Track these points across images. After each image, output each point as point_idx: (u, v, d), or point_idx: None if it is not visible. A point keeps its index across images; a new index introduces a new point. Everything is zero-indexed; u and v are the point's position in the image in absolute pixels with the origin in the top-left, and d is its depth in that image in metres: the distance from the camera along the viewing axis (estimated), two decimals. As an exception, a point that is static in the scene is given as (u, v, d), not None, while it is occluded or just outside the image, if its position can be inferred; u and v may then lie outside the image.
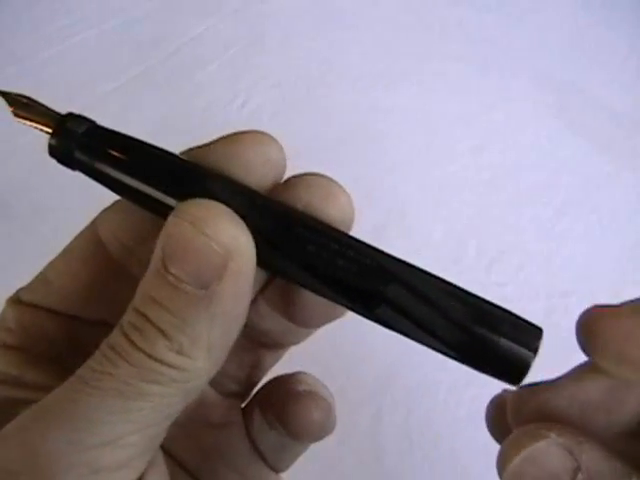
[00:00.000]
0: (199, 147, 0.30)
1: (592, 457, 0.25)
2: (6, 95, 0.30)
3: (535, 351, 0.26)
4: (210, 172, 0.28)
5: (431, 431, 0.54)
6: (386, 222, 0.65)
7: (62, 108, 0.71)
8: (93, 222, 0.32)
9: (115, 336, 0.26)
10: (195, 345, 0.25)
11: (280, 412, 0.36)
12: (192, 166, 0.28)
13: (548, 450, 0.25)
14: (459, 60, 0.83)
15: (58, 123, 0.29)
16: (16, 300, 0.33)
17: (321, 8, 0.85)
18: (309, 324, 0.32)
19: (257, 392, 0.39)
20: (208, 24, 0.81)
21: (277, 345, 0.37)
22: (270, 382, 0.39)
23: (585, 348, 0.27)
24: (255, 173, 0.29)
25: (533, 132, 0.78)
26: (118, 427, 0.25)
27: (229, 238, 0.25)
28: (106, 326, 0.32)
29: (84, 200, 0.64)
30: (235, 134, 0.30)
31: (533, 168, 0.74)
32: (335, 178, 0.67)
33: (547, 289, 0.64)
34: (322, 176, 0.30)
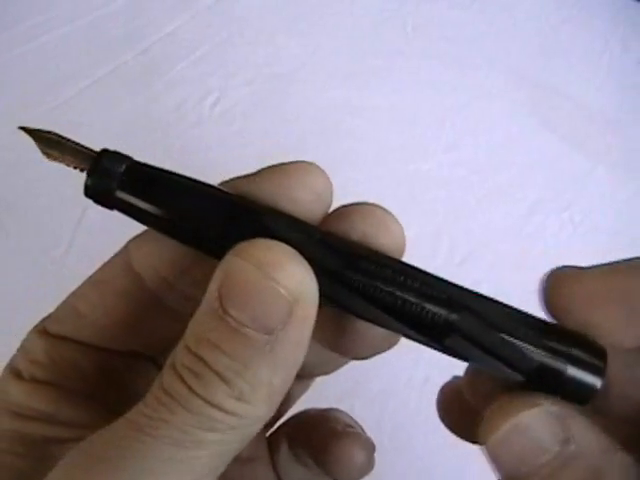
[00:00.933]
0: (241, 178, 0.29)
1: (583, 429, 0.24)
2: (33, 133, 0.28)
3: (602, 374, 0.25)
4: (260, 206, 0.27)
5: (404, 431, 0.54)
6: (360, 220, 0.65)
7: (34, 106, 0.71)
8: (126, 251, 0.31)
9: (169, 379, 0.24)
10: (256, 391, 0.24)
11: (318, 451, 0.35)
12: (240, 200, 0.27)
13: (539, 418, 0.24)
14: (432, 58, 0.82)
15: (94, 162, 0.27)
16: (43, 331, 0.31)
17: (294, 5, 0.85)
18: (360, 355, 0.31)
19: (284, 424, 0.39)
20: (180, 21, 0.80)
21: (308, 375, 0.37)
22: (299, 416, 0.38)
23: (549, 313, 0.27)
24: (304, 208, 0.28)
25: (506, 130, 0.78)
26: (174, 478, 0.24)
27: (296, 284, 0.24)
28: (137, 357, 0.33)
29: (54, 198, 0.63)
30: (281, 166, 0.28)
31: (506, 166, 0.74)
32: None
33: (520, 286, 0.64)
34: (376, 206, 0.29)
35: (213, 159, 0.69)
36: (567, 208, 0.71)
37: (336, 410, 0.38)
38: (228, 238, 0.25)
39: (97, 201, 0.28)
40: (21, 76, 0.73)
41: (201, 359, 0.24)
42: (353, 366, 0.58)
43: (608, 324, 0.25)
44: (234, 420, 0.24)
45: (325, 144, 0.72)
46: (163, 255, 0.30)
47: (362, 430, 0.37)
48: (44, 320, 0.32)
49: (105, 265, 0.31)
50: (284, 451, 0.37)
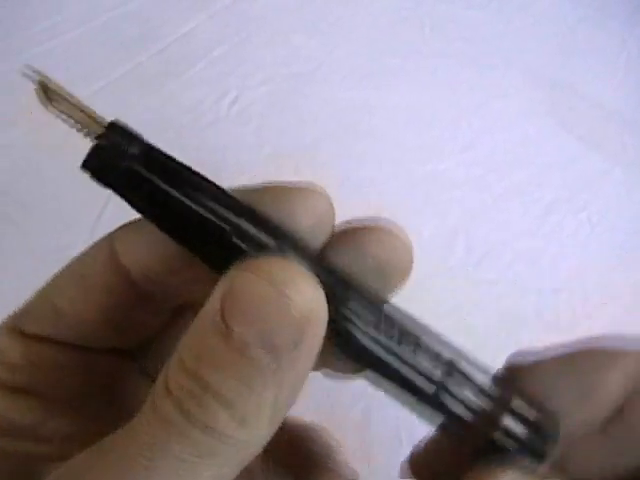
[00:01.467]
0: (242, 190, 0.27)
1: None
2: (41, 81, 0.25)
3: (544, 458, 0.26)
4: (272, 221, 0.25)
5: (421, 429, 0.54)
6: (376, 219, 0.65)
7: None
8: (110, 241, 0.28)
9: (163, 402, 0.22)
10: (259, 415, 0.22)
11: (298, 471, 0.35)
12: (254, 214, 0.25)
13: None
14: (449, 57, 0.82)
15: (108, 129, 0.25)
16: (16, 331, 0.28)
17: (311, 5, 0.85)
18: (348, 372, 0.29)
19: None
20: (197, 21, 0.81)
21: None
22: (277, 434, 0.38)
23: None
24: (305, 231, 0.26)
25: (523, 129, 0.78)
26: None
27: (309, 303, 0.22)
28: (118, 354, 0.30)
29: (72, 195, 0.64)
30: (283, 189, 0.27)
31: (523, 165, 0.74)
32: (325, 175, 0.66)
33: (537, 286, 0.64)
34: (391, 230, 0.28)
35: (230, 159, 0.69)
36: (584, 208, 0.71)
37: (314, 429, 0.36)
38: (232, 250, 0.24)
39: (98, 173, 0.25)
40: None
41: (200, 379, 0.22)
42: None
43: (564, 410, 0.26)
44: (235, 445, 0.22)
45: (342, 144, 0.72)
46: (153, 250, 0.28)
47: (342, 451, 0.36)
48: (14, 318, 0.29)
49: (85, 257, 0.29)
50: (270, 467, 0.35)
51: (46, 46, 0.76)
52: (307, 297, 0.22)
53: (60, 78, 0.76)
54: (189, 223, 0.25)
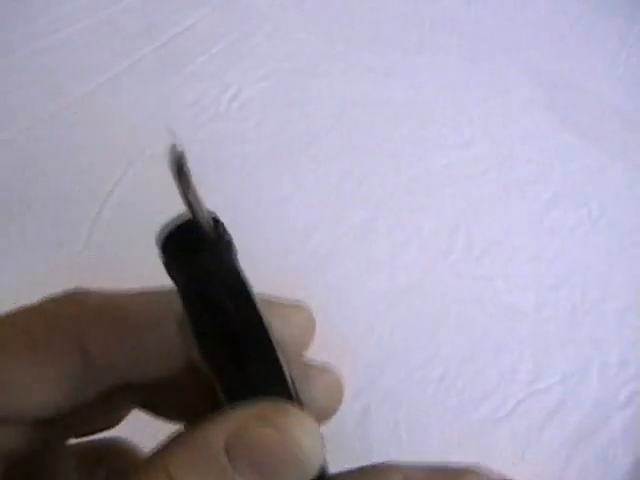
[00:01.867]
0: None
1: None
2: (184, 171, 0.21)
3: None
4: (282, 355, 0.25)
5: (420, 425, 0.54)
6: (376, 215, 0.65)
7: (53, 100, 0.71)
8: (78, 337, 0.25)
9: None
10: None
11: None
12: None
13: None
14: (450, 53, 0.82)
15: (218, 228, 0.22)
16: None
17: (311, 0, 0.85)
18: None
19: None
20: (199, 16, 0.81)
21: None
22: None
23: None
24: (288, 346, 0.26)
25: (524, 125, 0.78)
26: None
27: (317, 459, 0.23)
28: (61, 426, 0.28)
29: (72, 192, 0.64)
30: (273, 303, 0.27)
31: (523, 161, 0.74)
32: (325, 171, 0.66)
33: (537, 282, 0.64)
34: (338, 378, 0.29)
35: (230, 153, 0.69)
36: (584, 204, 0.71)
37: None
38: (246, 377, 0.24)
39: (177, 261, 0.22)
40: (40, 71, 0.73)
41: None
42: (368, 362, 0.59)
43: None
44: None
45: (342, 139, 0.72)
46: (126, 349, 0.26)
47: None
48: None
49: (39, 330, 0.26)
50: None
51: (47, 41, 0.76)
52: (317, 454, 0.23)
53: (64, 70, 0.76)
54: (228, 344, 0.24)
